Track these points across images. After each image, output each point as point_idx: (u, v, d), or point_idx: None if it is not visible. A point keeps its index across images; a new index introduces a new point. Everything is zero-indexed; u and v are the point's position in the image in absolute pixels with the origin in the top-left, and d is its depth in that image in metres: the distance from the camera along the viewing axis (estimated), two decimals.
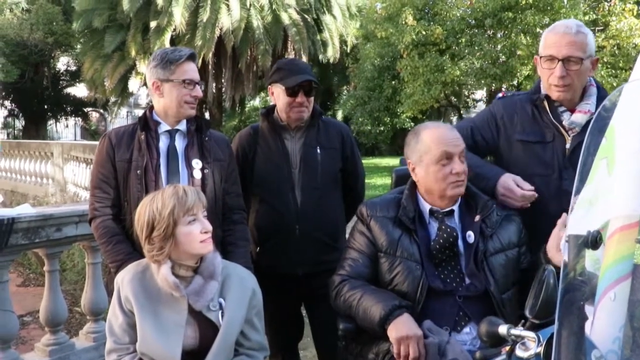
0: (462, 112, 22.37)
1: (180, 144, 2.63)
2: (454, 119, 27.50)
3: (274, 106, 2.99)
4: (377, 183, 15.87)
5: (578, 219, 1.44)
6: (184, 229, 2.11)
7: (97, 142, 3.07)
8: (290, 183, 2.90)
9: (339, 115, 24.86)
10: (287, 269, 2.90)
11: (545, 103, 2.51)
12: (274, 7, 20.29)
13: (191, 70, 2.59)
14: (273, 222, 2.91)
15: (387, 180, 14.38)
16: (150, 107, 2.68)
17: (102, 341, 3.66)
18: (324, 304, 2.77)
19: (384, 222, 2.34)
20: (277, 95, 2.91)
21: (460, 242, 2.27)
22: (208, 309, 2.15)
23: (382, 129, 20.04)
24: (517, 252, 2.31)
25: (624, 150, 1.50)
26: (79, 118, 36.02)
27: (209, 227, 2.16)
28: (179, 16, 18.82)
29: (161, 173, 2.54)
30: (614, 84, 12.67)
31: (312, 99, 2.91)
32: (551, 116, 2.49)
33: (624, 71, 13.07)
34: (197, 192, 2.19)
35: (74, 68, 31.23)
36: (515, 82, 14.74)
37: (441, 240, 2.25)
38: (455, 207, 2.34)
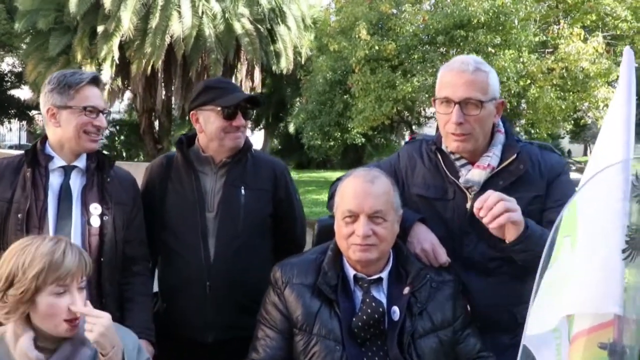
0: (414, 127, 22.43)
1: (76, 183, 2.26)
2: (407, 134, 27.62)
3: (194, 135, 2.57)
4: (326, 199, 15.47)
5: (539, 306, 1.18)
6: (47, 299, 1.72)
7: (10, 152, 2.66)
8: (203, 230, 2.44)
9: (291, 128, 24.57)
10: (195, 333, 2.44)
11: (439, 156, 2.15)
12: (226, 15, 19.87)
13: (94, 96, 2.24)
14: (180, 276, 2.46)
15: None
16: (43, 138, 2.29)
17: None
18: None
19: (300, 291, 1.97)
20: (207, 120, 2.44)
21: (385, 318, 1.92)
22: None
23: (332, 144, 19.77)
24: (451, 331, 1.96)
25: (588, 234, 1.26)
26: (24, 122, 34.61)
27: (79, 309, 1.75)
28: (128, 21, 18.19)
29: (48, 218, 2.16)
30: (562, 107, 12.84)
31: (247, 123, 2.50)
32: (447, 171, 2.13)
33: (571, 93, 13.24)
34: (82, 257, 1.79)
35: (19, 69, 30.00)
36: None
37: (364, 317, 1.89)
38: (384, 275, 1.98)
